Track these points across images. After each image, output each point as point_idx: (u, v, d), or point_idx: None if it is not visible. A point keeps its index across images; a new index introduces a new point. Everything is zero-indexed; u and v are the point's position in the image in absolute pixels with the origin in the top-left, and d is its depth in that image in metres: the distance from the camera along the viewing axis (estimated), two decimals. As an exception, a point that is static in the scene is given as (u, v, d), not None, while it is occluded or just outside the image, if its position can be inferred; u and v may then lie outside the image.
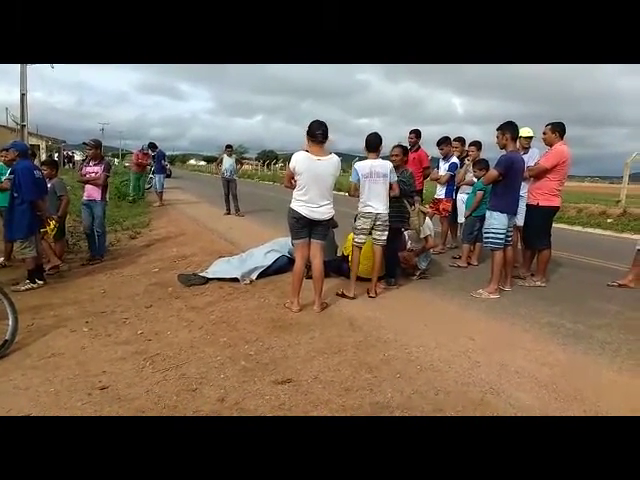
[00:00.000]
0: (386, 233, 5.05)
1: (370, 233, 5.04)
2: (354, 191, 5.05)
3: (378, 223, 4.98)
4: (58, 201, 6.61)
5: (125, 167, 32.25)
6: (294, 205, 4.44)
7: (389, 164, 5.02)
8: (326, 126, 4.39)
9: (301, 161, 4.38)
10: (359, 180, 4.95)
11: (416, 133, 7.64)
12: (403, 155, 5.52)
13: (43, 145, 38.05)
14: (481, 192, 6.41)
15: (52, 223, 5.93)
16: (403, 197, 5.27)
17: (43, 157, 28.29)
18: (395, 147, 5.51)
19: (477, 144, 7.37)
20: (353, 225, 5.14)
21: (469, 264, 6.73)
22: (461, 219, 7.31)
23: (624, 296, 5.36)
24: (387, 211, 5.00)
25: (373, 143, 5.02)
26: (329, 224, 4.67)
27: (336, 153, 4.53)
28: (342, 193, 10.40)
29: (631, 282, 5.69)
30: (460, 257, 6.85)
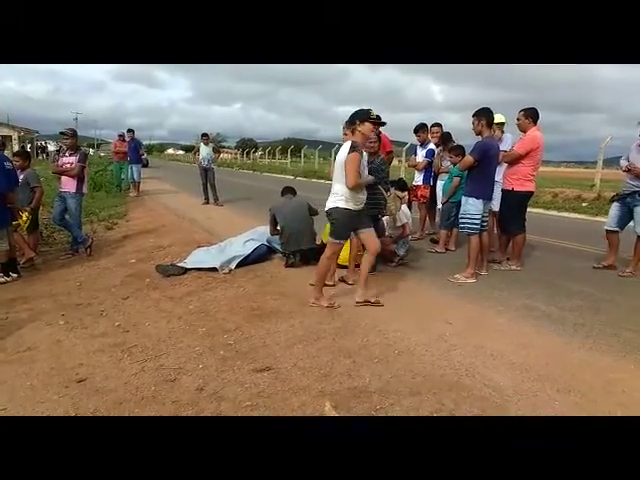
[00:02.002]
0: None
1: None
2: None
3: None
4: (31, 192, 6.45)
5: (100, 157, 31.64)
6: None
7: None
8: (354, 113, 4.23)
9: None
10: None
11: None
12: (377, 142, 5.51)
13: (15, 136, 37.12)
14: (458, 178, 6.47)
15: (24, 215, 5.81)
16: (378, 184, 5.29)
17: (15, 148, 27.59)
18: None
19: (438, 125, 7.79)
20: None
21: (447, 249, 6.82)
22: (439, 205, 7.39)
23: (596, 278, 5.50)
24: None
25: None
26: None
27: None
28: (322, 181, 10.39)
29: (614, 262, 5.88)
30: (438, 242, 6.94)
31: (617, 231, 5.82)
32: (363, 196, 4.30)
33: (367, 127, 4.14)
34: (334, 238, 4.31)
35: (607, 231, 5.88)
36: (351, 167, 4.04)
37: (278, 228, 5.88)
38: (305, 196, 6.74)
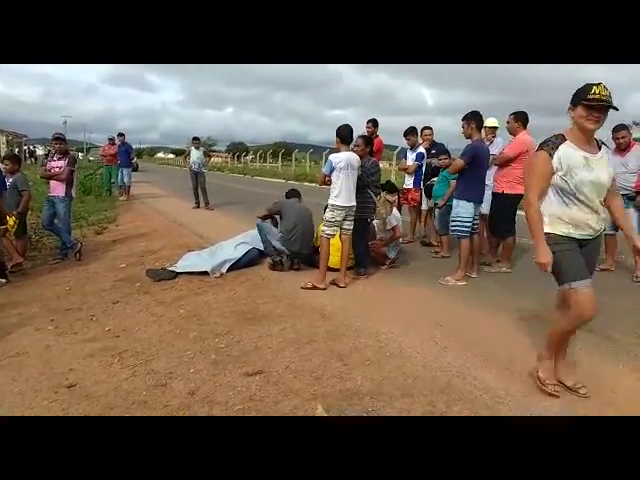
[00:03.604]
0: (352, 222, 5.12)
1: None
2: (323, 182, 5.08)
3: (349, 214, 5.03)
4: (19, 197, 6.40)
5: (90, 161, 31.44)
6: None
7: (358, 157, 5.08)
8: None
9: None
10: (332, 172, 4.95)
11: (373, 122, 7.69)
12: (366, 146, 5.51)
13: (3, 140, 36.77)
14: (454, 181, 6.50)
15: (11, 219, 5.75)
16: (368, 187, 5.32)
17: (3, 152, 27.34)
18: (357, 137, 5.50)
19: (429, 128, 7.76)
20: (324, 217, 5.13)
21: (437, 252, 6.84)
22: (424, 207, 7.46)
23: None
24: (355, 203, 5.07)
25: (348, 135, 5.05)
26: None
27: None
28: (313, 184, 10.46)
29: (611, 266, 5.92)
30: (429, 244, 7.04)
31: (613, 234, 5.87)
32: (590, 216, 2.74)
33: (577, 113, 2.68)
34: (557, 280, 2.83)
35: (605, 235, 5.96)
36: (530, 174, 2.86)
37: (282, 225, 5.86)
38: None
